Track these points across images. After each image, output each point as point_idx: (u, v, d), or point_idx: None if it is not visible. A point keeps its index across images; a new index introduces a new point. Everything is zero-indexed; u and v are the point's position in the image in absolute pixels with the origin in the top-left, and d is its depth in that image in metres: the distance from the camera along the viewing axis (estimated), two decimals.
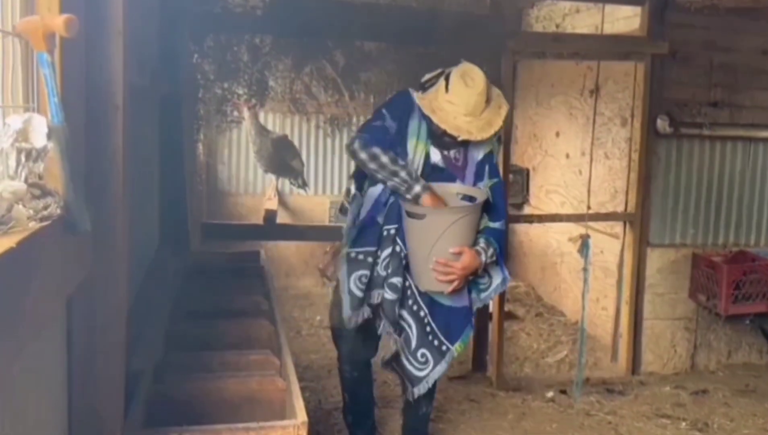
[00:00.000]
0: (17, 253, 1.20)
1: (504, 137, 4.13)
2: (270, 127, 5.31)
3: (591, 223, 4.71)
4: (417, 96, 2.81)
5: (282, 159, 4.78)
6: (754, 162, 4.52)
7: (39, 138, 1.39)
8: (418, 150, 2.83)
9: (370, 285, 2.87)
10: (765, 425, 3.81)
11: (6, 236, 1.25)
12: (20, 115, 1.42)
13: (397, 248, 2.84)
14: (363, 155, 2.74)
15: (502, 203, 2.95)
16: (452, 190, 2.87)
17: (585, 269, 3.95)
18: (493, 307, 4.30)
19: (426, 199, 2.73)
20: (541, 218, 4.83)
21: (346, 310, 2.91)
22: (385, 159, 2.73)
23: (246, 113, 4.40)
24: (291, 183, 5.06)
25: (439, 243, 2.71)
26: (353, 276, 2.88)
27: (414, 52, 4.27)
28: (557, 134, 5.68)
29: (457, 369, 4.43)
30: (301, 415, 2.01)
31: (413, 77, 4.35)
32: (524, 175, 6.21)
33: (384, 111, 2.85)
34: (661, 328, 4.46)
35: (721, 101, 4.41)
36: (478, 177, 2.91)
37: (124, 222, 1.78)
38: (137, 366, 2.26)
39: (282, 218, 5.68)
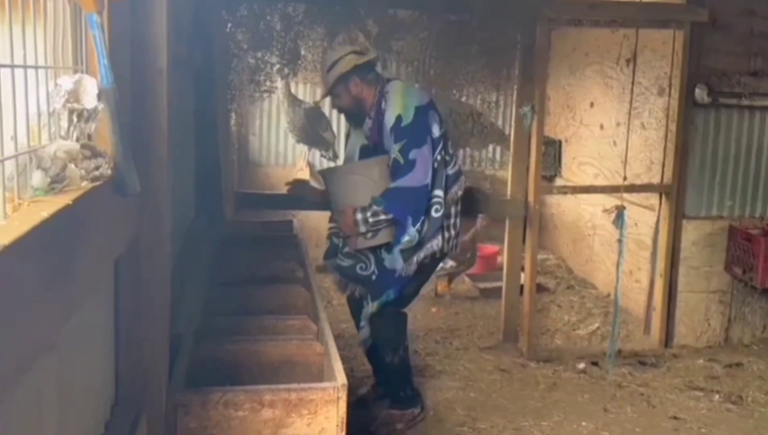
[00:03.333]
0: (72, 210, 1.23)
1: (537, 107, 4.10)
2: (301, 96, 5.31)
3: (625, 195, 4.66)
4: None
5: (314, 129, 4.79)
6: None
7: (90, 99, 1.41)
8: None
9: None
10: None
11: (61, 194, 1.28)
12: (71, 76, 1.44)
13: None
14: None
15: (409, 163, 3.04)
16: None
17: (620, 241, 3.93)
18: (524, 278, 4.31)
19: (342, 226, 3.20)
20: (575, 190, 4.79)
21: None
22: None
23: (279, 83, 4.42)
24: (322, 155, 5.07)
25: (335, 204, 3.25)
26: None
27: (447, 20, 4.23)
28: (591, 104, 5.60)
29: (488, 339, 4.46)
30: (341, 378, 2.04)
31: (447, 45, 4.33)
32: (557, 146, 6.15)
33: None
34: (695, 302, 4.42)
35: (761, 70, 4.30)
36: (395, 143, 3.10)
37: (169, 185, 1.81)
38: (178, 330, 2.31)
39: None
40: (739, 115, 4.35)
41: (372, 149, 3.23)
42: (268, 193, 5.19)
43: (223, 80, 4.08)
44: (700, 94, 4.23)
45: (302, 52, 4.18)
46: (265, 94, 4.41)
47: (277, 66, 4.15)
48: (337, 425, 1.97)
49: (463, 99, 4.52)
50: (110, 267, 1.70)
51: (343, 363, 3.91)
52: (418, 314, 4.82)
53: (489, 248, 5.69)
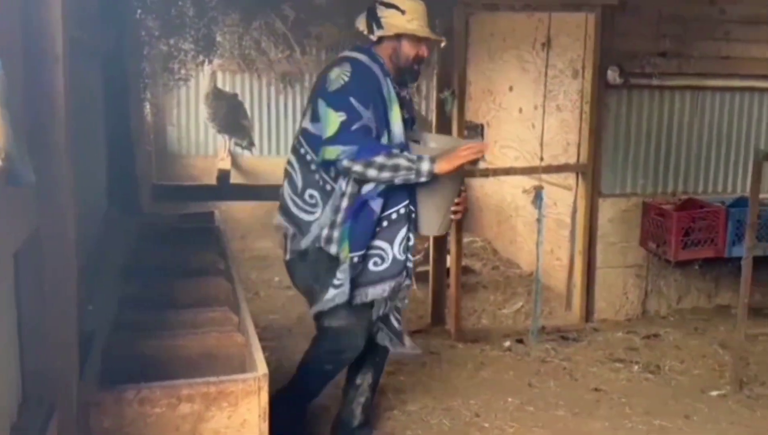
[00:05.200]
0: None
1: (457, 92, 4.15)
2: (219, 84, 5.20)
3: (545, 176, 4.78)
4: (378, 47, 2.73)
5: (235, 118, 4.71)
6: (701, 111, 4.62)
7: None
8: (397, 115, 2.70)
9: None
10: (713, 365, 3.97)
11: None
12: None
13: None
14: (358, 168, 2.55)
15: None
16: (429, 143, 2.91)
17: (539, 220, 4.02)
18: (450, 261, 4.36)
19: (441, 167, 2.61)
20: (496, 172, 4.87)
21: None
22: (379, 159, 2.55)
23: (203, 75, 4.33)
24: (236, 143, 5.00)
25: (452, 189, 2.82)
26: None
27: (365, 5, 4.20)
28: (510, 88, 5.70)
29: (417, 323, 4.49)
30: (262, 368, 2.02)
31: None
32: (479, 130, 6.24)
33: (353, 102, 2.57)
34: (613, 277, 4.58)
35: (670, 51, 4.47)
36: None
37: (68, 175, 1.73)
38: (91, 326, 2.23)
39: (237, 180, 5.61)
40: (649, 95, 4.52)
41: (409, 120, 2.87)
42: (188, 184, 5.08)
43: (135, 68, 3.94)
44: (612, 75, 4.36)
45: (218, 39, 4.09)
46: (180, 83, 4.29)
47: (192, 53, 4.04)
48: (260, 416, 1.95)
49: None
50: (8, 261, 1.62)
51: (271, 354, 3.91)
52: None
53: None
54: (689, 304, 4.75)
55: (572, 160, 4.61)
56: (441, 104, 4.25)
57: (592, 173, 4.44)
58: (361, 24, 2.77)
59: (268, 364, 3.72)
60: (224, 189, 4.41)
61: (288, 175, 2.76)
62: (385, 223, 2.69)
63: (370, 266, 2.70)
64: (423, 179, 2.62)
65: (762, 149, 3.65)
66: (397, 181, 2.60)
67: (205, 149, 5.73)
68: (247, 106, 5.37)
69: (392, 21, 2.69)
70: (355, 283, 2.69)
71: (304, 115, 2.78)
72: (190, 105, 5.58)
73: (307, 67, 4.69)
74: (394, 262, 2.72)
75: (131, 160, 3.50)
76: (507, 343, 4.23)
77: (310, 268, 2.74)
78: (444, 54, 4.23)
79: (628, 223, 4.55)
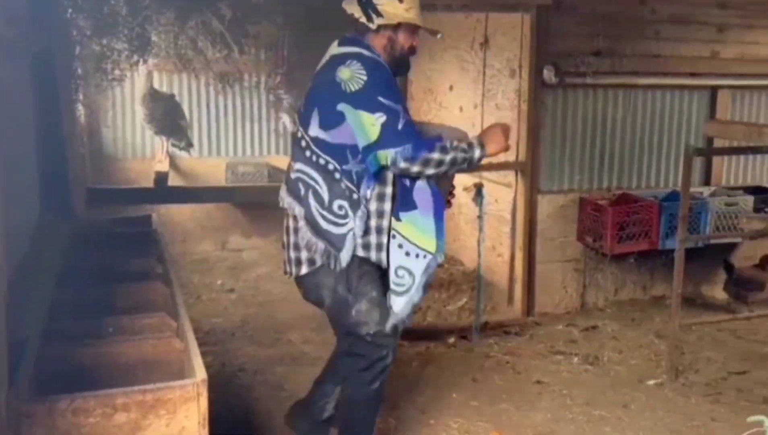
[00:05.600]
0: None
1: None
2: (156, 85, 5.08)
3: (485, 174, 4.85)
4: (373, 37, 2.57)
5: (173, 119, 4.62)
6: (634, 109, 4.76)
7: None
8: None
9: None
10: (650, 355, 4.09)
11: None
12: None
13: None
14: (416, 168, 2.44)
15: None
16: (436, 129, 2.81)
17: (480, 217, 4.07)
18: None
19: (492, 150, 2.59)
20: None
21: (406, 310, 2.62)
22: (436, 155, 2.45)
23: (138, 75, 4.21)
24: (173, 144, 4.89)
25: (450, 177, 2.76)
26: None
27: (304, 3, 4.18)
28: (450, 88, 5.76)
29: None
30: (201, 373, 1.97)
31: (305, 31, 4.28)
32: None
33: (383, 100, 2.43)
34: (553, 271, 4.68)
35: (603, 51, 4.58)
36: None
37: None
38: (22, 334, 2.14)
39: (175, 182, 5.49)
40: (584, 93, 4.63)
41: None
42: (124, 188, 4.94)
43: (67, 68, 3.81)
44: (548, 74, 4.44)
45: (152, 38, 3.99)
46: (114, 83, 4.17)
47: (126, 53, 3.93)
48: (199, 422, 1.91)
49: None
50: None
51: (214, 358, 3.85)
52: (292, 303, 4.77)
53: None
54: (626, 296, 4.89)
55: (511, 158, 4.68)
56: None
57: (530, 170, 4.53)
58: (355, 11, 2.57)
59: (211, 368, 3.70)
60: (162, 192, 4.30)
61: (309, 188, 2.53)
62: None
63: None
64: (473, 166, 2.63)
65: (692, 145, 3.78)
66: (451, 172, 2.59)
67: (142, 151, 5.58)
68: (185, 106, 5.26)
69: (391, 10, 2.57)
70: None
71: (305, 123, 2.56)
72: (126, 106, 5.43)
73: (246, 66, 4.63)
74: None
75: (64, 163, 3.39)
76: (452, 340, 4.27)
77: (340, 278, 2.55)
78: None
79: (566, 219, 4.65)
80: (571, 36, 4.51)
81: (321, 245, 2.52)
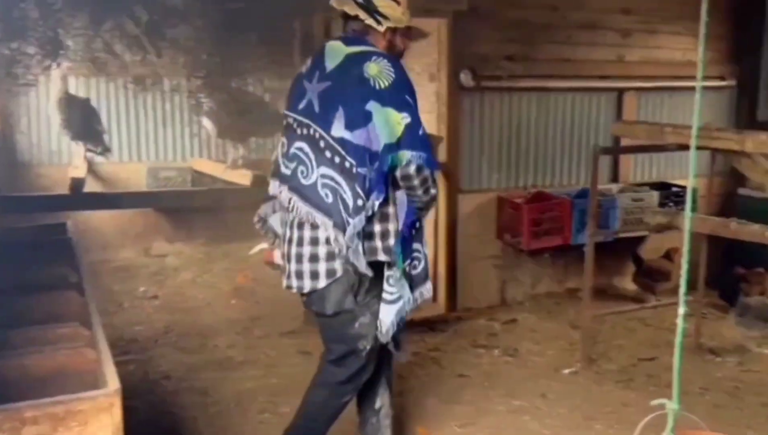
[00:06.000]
0: None
1: None
2: (72, 90, 4.86)
3: None
4: (374, 38, 2.48)
5: (89, 124, 4.44)
6: (547, 111, 4.88)
7: None
8: None
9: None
10: (566, 345, 4.20)
11: None
12: None
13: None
14: (417, 181, 2.35)
15: None
16: None
17: None
18: None
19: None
20: None
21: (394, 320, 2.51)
22: (430, 178, 2.39)
23: (53, 81, 4.02)
24: (90, 150, 4.70)
25: None
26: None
27: (223, 7, 4.10)
28: None
29: (291, 324, 4.43)
30: (114, 383, 1.88)
31: (226, 34, 4.20)
32: None
33: (409, 100, 2.37)
34: (474, 268, 4.74)
35: (518, 55, 4.68)
36: None
37: None
38: None
39: (95, 188, 5.28)
40: (500, 96, 4.71)
41: None
42: (39, 195, 4.70)
43: None
44: (465, 78, 4.50)
45: (65, 42, 3.82)
46: (26, 88, 3.97)
47: (37, 57, 3.75)
48: (113, 433, 1.82)
49: (247, 88, 4.42)
50: None
51: (137, 367, 3.72)
52: (218, 308, 4.68)
53: None
54: (543, 289, 5.01)
55: None
56: None
57: (452, 171, 4.57)
58: (359, 12, 2.46)
59: (133, 377, 3.58)
60: (79, 198, 4.12)
61: (336, 194, 2.38)
62: (417, 225, 2.52)
63: (411, 271, 2.53)
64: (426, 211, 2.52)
65: (598, 145, 3.90)
66: (418, 202, 2.43)
67: (58, 158, 5.33)
68: (102, 111, 5.06)
69: (393, 13, 2.50)
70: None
71: (324, 124, 2.41)
72: (40, 112, 5.16)
73: (164, 70, 4.49)
74: (426, 261, 2.60)
75: None
76: None
77: (350, 290, 2.46)
78: (305, 56, 4.17)
79: (485, 217, 4.73)
80: (487, 41, 4.59)
81: (344, 252, 2.37)
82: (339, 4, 2.51)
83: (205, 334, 4.20)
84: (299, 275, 2.50)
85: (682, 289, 2.22)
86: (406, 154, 2.32)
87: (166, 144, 5.60)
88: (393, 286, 2.46)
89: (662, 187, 4.93)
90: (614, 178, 5.14)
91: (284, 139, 2.59)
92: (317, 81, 2.48)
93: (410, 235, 2.47)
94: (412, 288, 2.54)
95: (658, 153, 4.64)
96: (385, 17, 2.47)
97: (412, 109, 2.36)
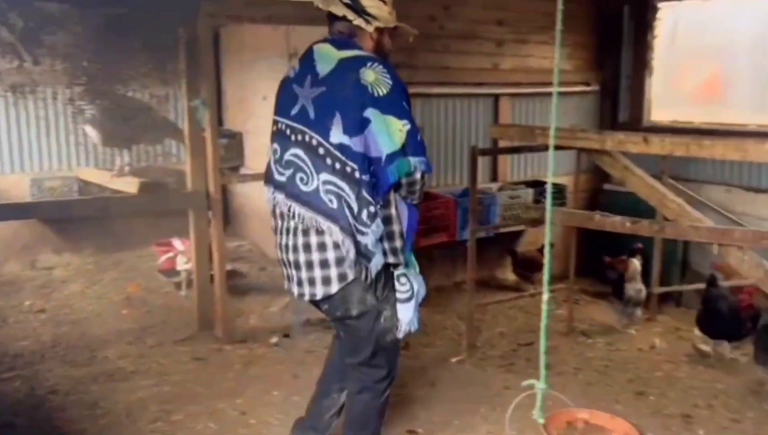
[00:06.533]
0: None
1: (208, 101, 4.04)
2: None
3: None
4: (362, 39, 2.44)
5: None
6: (429, 115, 5.00)
7: None
8: None
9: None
10: (453, 336, 4.33)
11: None
12: None
13: None
14: (419, 185, 2.42)
15: None
16: None
17: None
18: (214, 267, 4.25)
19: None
20: (255, 177, 4.82)
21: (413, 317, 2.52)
22: (425, 177, 2.42)
23: None
24: None
25: None
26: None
27: (103, 13, 3.92)
28: (264, 98, 5.69)
29: (183, 331, 4.31)
30: None
31: (106, 40, 4.01)
32: (238, 138, 6.16)
33: (406, 106, 2.35)
34: None
35: (400, 63, 4.73)
36: None
37: None
38: None
39: None
40: None
41: None
42: None
43: None
44: None
45: None
46: None
47: None
48: None
49: (131, 94, 4.25)
50: None
51: (23, 382, 3.51)
52: (108, 319, 4.48)
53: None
54: (433, 284, 5.04)
55: None
56: (192, 113, 4.12)
57: None
58: (347, 12, 2.40)
59: (19, 393, 3.38)
60: None
61: (341, 199, 2.32)
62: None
63: None
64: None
65: (477, 146, 4.04)
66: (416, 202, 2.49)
67: None
68: None
69: (380, 12, 2.43)
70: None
71: (321, 130, 2.34)
72: None
73: (43, 77, 4.24)
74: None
75: None
76: (274, 339, 4.23)
77: (369, 288, 2.41)
78: (190, 62, 4.09)
79: None
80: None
81: (352, 258, 2.32)
82: (325, 4, 2.43)
83: (95, 346, 4.02)
84: (311, 282, 2.42)
85: (546, 277, 2.36)
86: (412, 161, 2.31)
87: (50, 153, 5.28)
88: (404, 285, 2.45)
89: (536, 184, 5.18)
90: (494, 178, 5.35)
91: (276, 146, 2.51)
92: (310, 86, 2.40)
93: (413, 233, 2.50)
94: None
95: (531, 153, 4.85)
96: (374, 17, 2.41)
97: (409, 115, 2.33)
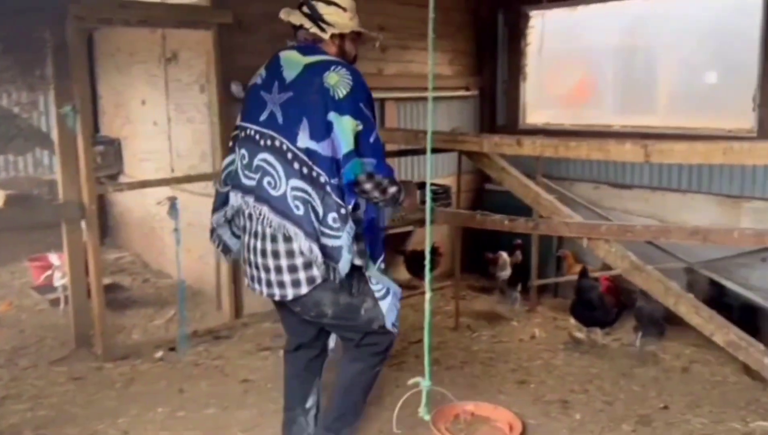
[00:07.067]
0: None
1: (80, 107, 3.80)
2: None
3: (186, 186, 4.68)
4: (325, 46, 2.50)
5: None
6: None
7: None
8: None
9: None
10: None
11: None
12: None
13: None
14: (369, 186, 2.37)
15: None
16: None
17: (176, 230, 3.91)
18: (91, 281, 4.00)
19: (406, 204, 2.55)
20: (132, 186, 4.61)
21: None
22: (385, 182, 2.40)
23: None
24: None
25: None
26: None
27: (13, 20, 3.59)
28: (143, 102, 5.45)
29: (59, 350, 4.04)
30: None
31: None
32: (116, 145, 5.86)
33: (363, 108, 2.37)
34: None
35: None
36: None
37: None
38: None
39: None
40: None
41: None
42: None
43: None
44: (236, 89, 4.41)
45: None
46: None
47: None
48: None
49: None
50: None
51: None
52: None
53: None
54: None
55: (209, 169, 4.58)
56: (62, 120, 3.85)
57: None
58: (303, 21, 2.48)
59: None
60: None
61: (307, 204, 2.36)
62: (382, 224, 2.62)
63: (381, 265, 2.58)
64: (392, 208, 2.55)
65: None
66: (381, 204, 2.47)
67: None
68: None
69: (338, 19, 2.48)
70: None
71: (289, 135, 2.38)
72: None
73: None
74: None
75: None
76: (159, 354, 4.04)
77: (340, 289, 2.46)
78: (59, 67, 3.82)
79: None
80: (257, 53, 4.44)
81: (320, 261, 2.35)
82: (286, 15, 2.54)
83: None
84: (281, 285, 2.48)
85: (428, 277, 2.37)
86: (358, 162, 2.34)
87: None
88: (376, 284, 2.51)
89: (423, 186, 5.24)
90: None
91: (244, 151, 2.53)
92: (278, 92, 2.45)
93: (375, 234, 2.52)
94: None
95: (416, 156, 4.92)
96: (330, 24, 2.47)
97: (365, 115, 2.36)
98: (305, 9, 2.50)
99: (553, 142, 3.43)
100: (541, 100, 5.58)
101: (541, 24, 5.47)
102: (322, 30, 2.47)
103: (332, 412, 2.74)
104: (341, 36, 2.53)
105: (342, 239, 2.35)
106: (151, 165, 5.39)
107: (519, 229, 4.05)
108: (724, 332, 3.17)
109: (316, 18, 2.48)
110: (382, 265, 2.58)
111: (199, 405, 3.41)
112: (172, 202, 3.86)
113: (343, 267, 2.38)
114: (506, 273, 4.96)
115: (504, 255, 4.96)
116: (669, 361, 3.92)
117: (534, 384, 3.67)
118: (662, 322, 3.99)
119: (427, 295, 2.30)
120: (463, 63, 5.73)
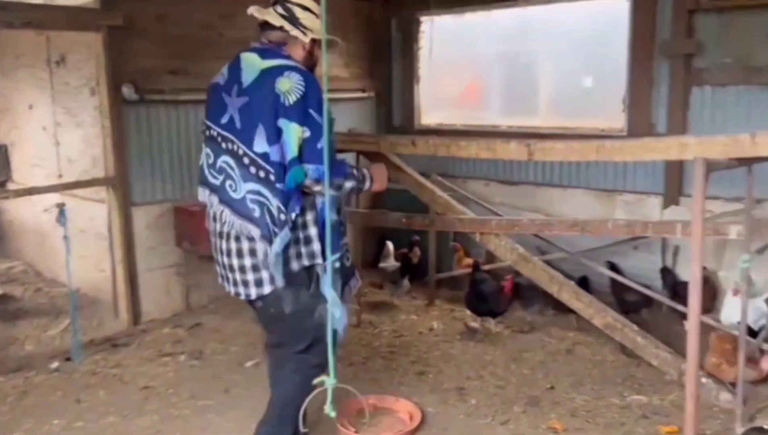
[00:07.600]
0: None
1: None
2: None
3: (78, 191, 4.50)
4: (292, 49, 2.51)
5: None
6: None
7: None
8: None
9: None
10: (250, 340, 4.24)
11: None
12: None
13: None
14: (318, 187, 2.40)
15: None
16: None
17: (66, 237, 3.75)
18: None
19: (377, 187, 2.66)
20: (18, 193, 4.37)
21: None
22: (338, 180, 2.49)
23: None
24: None
25: None
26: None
27: None
28: (30, 107, 5.17)
29: None
30: None
31: None
32: (3, 151, 5.53)
33: (313, 114, 2.36)
34: (156, 278, 4.57)
35: (180, 70, 4.58)
36: None
37: None
38: None
39: None
40: (165, 109, 4.56)
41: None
42: None
43: None
44: (128, 92, 4.29)
45: None
46: None
47: None
48: None
49: None
50: None
51: None
52: None
53: None
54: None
55: (101, 174, 4.42)
56: None
57: (121, 185, 4.33)
58: (283, 23, 2.47)
59: None
60: None
61: (263, 206, 2.41)
62: (342, 219, 2.67)
63: (346, 262, 2.63)
64: (366, 188, 2.63)
65: None
66: (342, 197, 2.60)
67: None
68: None
69: (313, 25, 2.49)
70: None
71: (245, 140, 2.42)
72: None
73: None
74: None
75: None
76: (54, 365, 3.87)
77: (301, 287, 2.52)
78: None
79: (163, 227, 4.58)
80: (149, 56, 4.42)
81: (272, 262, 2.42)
82: (260, 14, 2.51)
83: None
84: (245, 284, 2.55)
85: (329, 281, 2.41)
86: (305, 168, 2.37)
87: None
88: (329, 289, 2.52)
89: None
90: None
91: (209, 151, 2.57)
92: (236, 95, 2.48)
93: (337, 231, 2.53)
94: (347, 278, 2.68)
95: None
96: (308, 29, 2.49)
97: (312, 121, 2.36)
98: (280, 10, 2.51)
99: (445, 142, 3.56)
100: (435, 102, 5.75)
101: (430, 29, 5.63)
102: (304, 33, 2.50)
103: (269, 427, 2.75)
104: (314, 41, 2.54)
105: (275, 244, 2.41)
106: (42, 171, 5.13)
107: (416, 225, 4.19)
108: (602, 316, 3.43)
109: (294, 21, 2.50)
110: (338, 264, 2.59)
111: (98, 414, 3.29)
112: (61, 209, 3.70)
113: (292, 267, 2.48)
114: (391, 262, 5.12)
115: (388, 245, 5.15)
116: (555, 345, 4.16)
117: (432, 374, 3.79)
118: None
119: (329, 297, 2.36)
120: (359, 66, 5.81)
